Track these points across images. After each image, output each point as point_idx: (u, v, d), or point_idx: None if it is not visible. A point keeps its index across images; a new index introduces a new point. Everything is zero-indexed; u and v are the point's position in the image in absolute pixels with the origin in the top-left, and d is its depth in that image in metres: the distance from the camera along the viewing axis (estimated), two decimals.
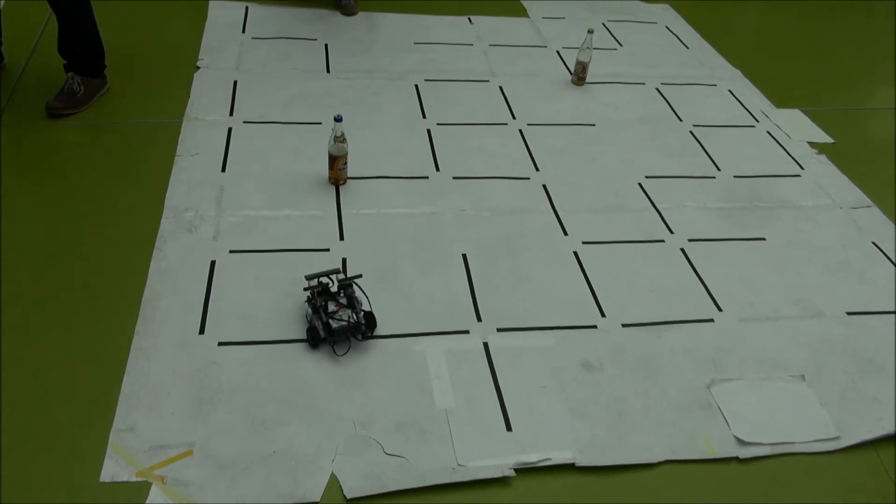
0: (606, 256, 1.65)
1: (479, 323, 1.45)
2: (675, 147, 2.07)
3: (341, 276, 1.40)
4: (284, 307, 1.42)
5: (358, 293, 1.41)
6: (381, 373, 1.32)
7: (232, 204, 1.67)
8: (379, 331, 1.40)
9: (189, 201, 1.66)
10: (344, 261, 1.53)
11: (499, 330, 1.44)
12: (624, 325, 1.48)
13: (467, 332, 1.42)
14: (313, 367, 1.32)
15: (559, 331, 1.45)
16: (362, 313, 1.37)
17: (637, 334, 1.46)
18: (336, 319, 1.34)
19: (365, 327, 1.36)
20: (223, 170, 1.78)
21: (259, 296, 1.44)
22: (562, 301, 1.52)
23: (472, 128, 2.05)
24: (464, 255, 1.61)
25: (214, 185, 1.72)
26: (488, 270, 1.57)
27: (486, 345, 1.40)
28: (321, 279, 1.39)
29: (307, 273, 1.40)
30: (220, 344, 1.34)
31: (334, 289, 1.39)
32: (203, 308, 1.40)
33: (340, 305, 1.37)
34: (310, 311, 1.36)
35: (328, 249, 1.56)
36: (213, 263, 1.51)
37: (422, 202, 1.75)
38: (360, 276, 1.43)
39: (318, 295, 1.37)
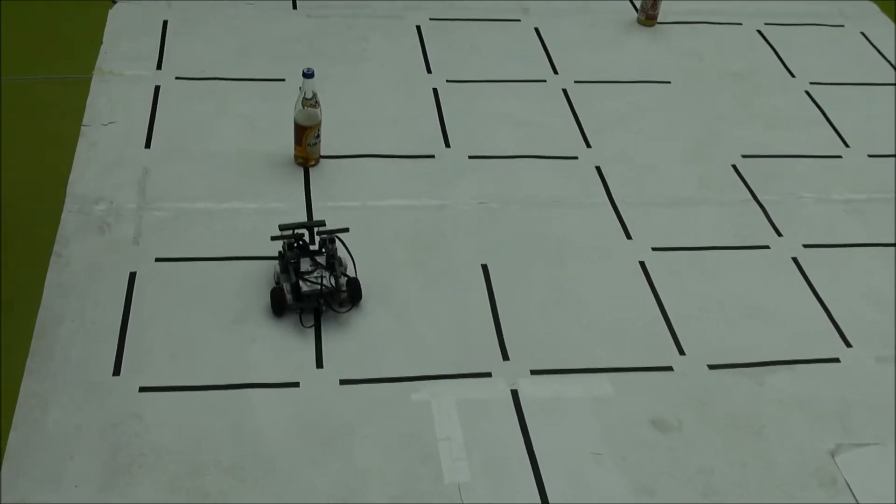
0: (686, 269, 1.66)
1: (506, 362, 1.46)
2: (784, 114, 2.07)
3: (324, 228, 1.51)
4: (233, 338, 1.44)
5: (343, 254, 1.49)
6: (367, 431, 1.33)
7: (160, 193, 1.69)
8: (367, 373, 1.41)
9: (100, 189, 1.68)
10: None
11: (533, 372, 1.44)
12: (711, 367, 1.48)
13: (489, 374, 1.43)
14: (273, 420, 1.33)
15: (619, 374, 1.45)
16: (344, 278, 1.44)
17: (730, 379, 1.46)
18: (308, 281, 1.41)
19: (347, 296, 1.43)
20: (147, 145, 1.80)
21: (197, 322, 1.46)
22: (622, 332, 1.52)
23: (497, 86, 2.06)
24: (484, 266, 1.62)
25: (135, 166, 1.74)
26: (518, 288, 1.58)
27: (514, 393, 1.41)
28: (297, 231, 1.47)
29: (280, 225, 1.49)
30: (143, 389, 1.36)
31: (314, 247, 1.48)
32: (119, 339, 1.42)
33: (317, 266, 1.44)
34: (278, 269, 1.47)
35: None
36: (132, 276, 1.52)
37: (425, 191, 1.77)
38: (346, 229, 1.49)
39: (291, 249, 1.46)
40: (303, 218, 1.66)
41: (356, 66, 2.07)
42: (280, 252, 1.50)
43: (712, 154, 1.94)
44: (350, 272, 1.51)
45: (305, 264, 1.47)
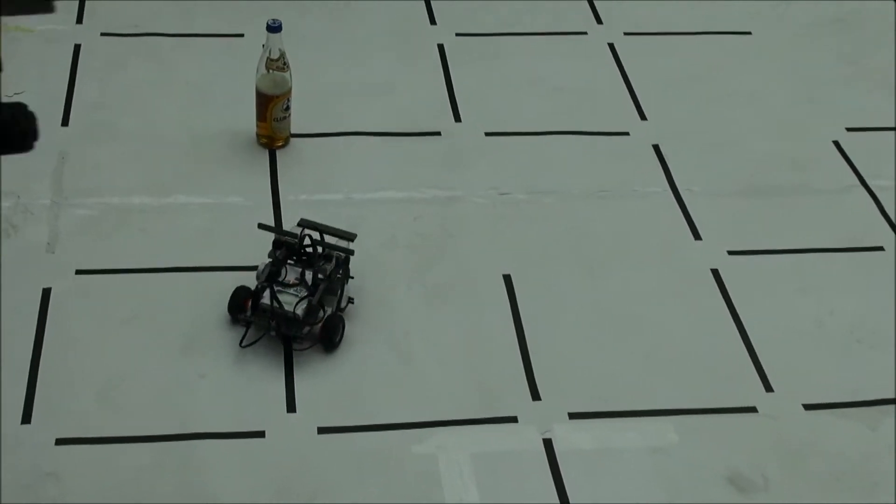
0: (774, 278, 1.66)
1: (536, 403, 1.46)
2: None
3: (343, 244, 1.52)
4: (178, 373, 1.44)
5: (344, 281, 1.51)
6: (355, 493, 1.33)
7: (82, 185, 1.70)
8: (353, 418, 1.41)
9: (4, 180, 1.68)
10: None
11: (571, 416, 1.44)
12: (807, 407, 1.48)
13: (514, 419, 1.43)
14: (231, 480, 1.33)
15: (685, 417, 1.45)
16: (322, 312, 1.46)
17: (833, 423, 1.46)
18: (276, 297, 1.44)
19: (317, 332, 1.45)
20: (65, 122, 1.81)
21: (131, 353, 1.46)
22: (690, 362, 1.52)
23: (522, 41, 2.07)
24: (506, 277, 1.62)
25: (50, 149, 1.75)
26: (551, 305, 1.59)
27: (548, 442, 1.41)
28: (311, 234, 1.50)
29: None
30: (61, 441, 1.36)
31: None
32: (30, 377, 1.42)
33: (299, 281, 1.46)
34: (260, 268, 1.51)
35: (257, 267, 1.57)
36: (46, 293, 1.53)
37: (430, 179, 1.77)
38: (351, 252, 1.51)
39: (277, 248, 1.49)
40: (268, 215, 1.66)
41: (337, 19, 2.07)
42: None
43: (807, 127, 1.94)
44: (343, 302, 1.51)
45: (288, 273, 1.48)
